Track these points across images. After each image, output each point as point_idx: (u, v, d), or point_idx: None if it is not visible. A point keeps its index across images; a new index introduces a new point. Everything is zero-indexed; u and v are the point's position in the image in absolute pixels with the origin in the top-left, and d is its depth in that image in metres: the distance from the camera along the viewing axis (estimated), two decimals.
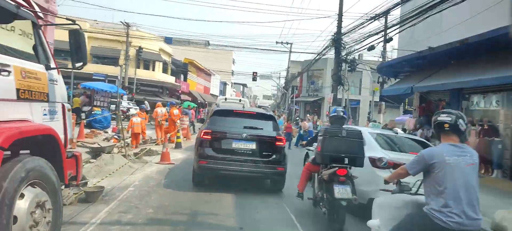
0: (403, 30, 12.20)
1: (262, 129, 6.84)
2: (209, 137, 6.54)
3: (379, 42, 15.12)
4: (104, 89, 18.62)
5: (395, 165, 4.97)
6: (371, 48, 14.01)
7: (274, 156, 6.62)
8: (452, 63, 10.44)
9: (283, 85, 38.81)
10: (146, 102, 24.19)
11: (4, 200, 2.61)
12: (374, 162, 5.36)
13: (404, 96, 14.57)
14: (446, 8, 8.94)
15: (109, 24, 32.35)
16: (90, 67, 28.65)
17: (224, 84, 59.86)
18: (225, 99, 16.72)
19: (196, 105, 29.57)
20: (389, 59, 16.65)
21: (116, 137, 11.99)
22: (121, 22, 27.96)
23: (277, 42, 32.31)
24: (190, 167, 7.46)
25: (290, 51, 33.43)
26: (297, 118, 22.33)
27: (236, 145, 6.53)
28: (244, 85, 78.28)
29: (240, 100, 15.70)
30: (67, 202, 4.73)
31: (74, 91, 20.57)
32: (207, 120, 7.91)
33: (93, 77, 24.49)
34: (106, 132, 14.54)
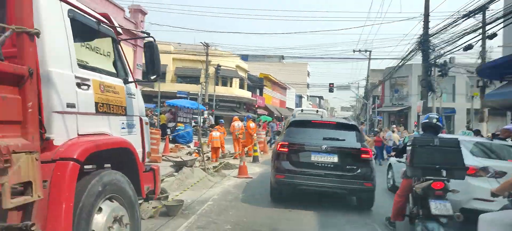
0: (509, 24, 10.31)
1: (344, 140, 6.22)
2: (286, 150, 6.16)
3: (478, 40, 13.04)
4: (186, 106, 19.69)
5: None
6: (469, 47, 12.20)
7: (359, 170, 5.94)
8: None
9: (363, 95, 36.61)
10: (209, 116, 25.25)
11: (82, 214, 2.59)
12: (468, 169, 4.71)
13: None
14: None
15: (191, 46, 34.66)
16: (174, 86, 31.01)
17: (300, 97, 59.30)
18: (302, 110, 16.25)
19: (271, 119, 29.69)
20: (490, 60, 14.34)
21: (197, 151, 12.40)
22: (201, 43, 29.65)
23: (354, 51, 30.74)
24: (267, 181, 7.17)
25: (369, 59, 31.50)
26: (376, 129, 20.57)
27: (315, 157, 6.03)
28: (320, 97, 76.43)
29: (317, 111, 15.09)
30: (145, 216, 4.77)
31: (160, 109, 22.24)
32: (283, 131, 7.57)
33: (177, 95, 26.25)
34: (189, 146, 15.23)
